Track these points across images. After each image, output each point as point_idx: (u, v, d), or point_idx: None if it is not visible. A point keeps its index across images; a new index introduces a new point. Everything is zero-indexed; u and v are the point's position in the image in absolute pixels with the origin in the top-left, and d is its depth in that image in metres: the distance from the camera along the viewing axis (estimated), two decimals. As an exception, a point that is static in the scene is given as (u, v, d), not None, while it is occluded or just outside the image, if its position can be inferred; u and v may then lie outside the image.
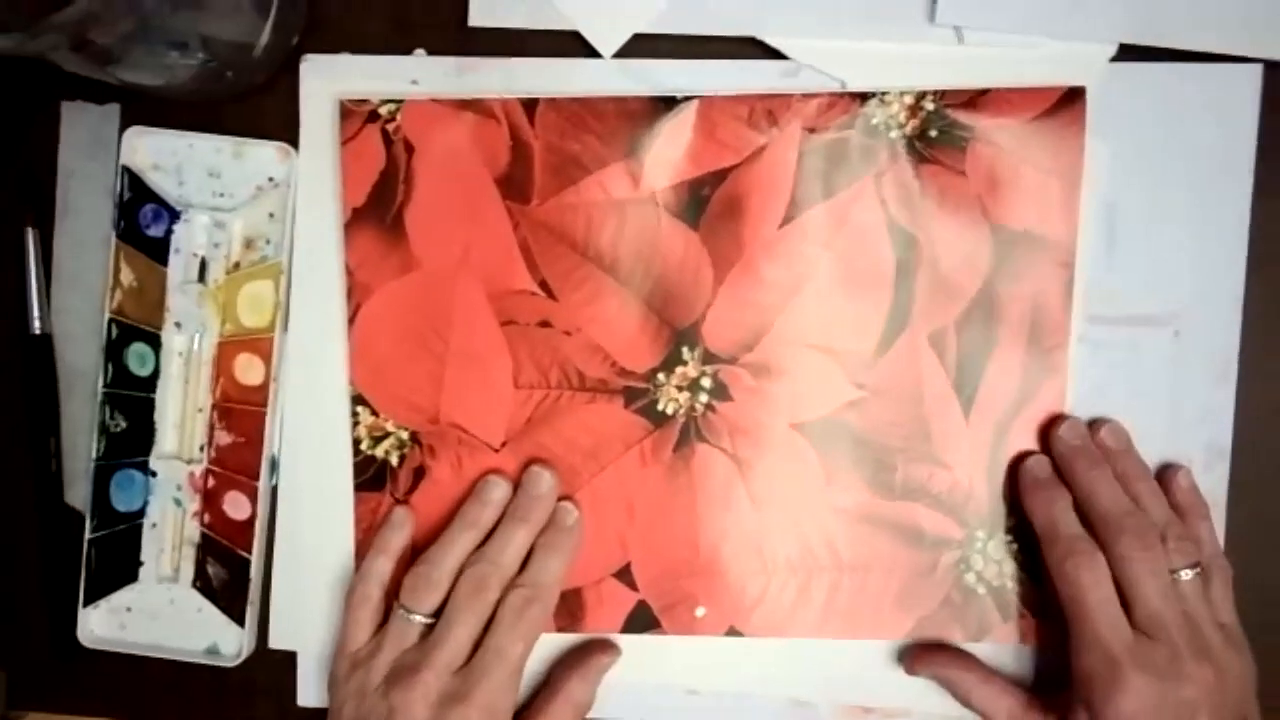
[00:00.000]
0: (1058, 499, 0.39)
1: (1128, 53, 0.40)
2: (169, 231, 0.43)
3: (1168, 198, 0.41)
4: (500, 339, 0.42)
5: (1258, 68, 0.40)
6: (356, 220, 0.42)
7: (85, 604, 0.43)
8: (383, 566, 0.41)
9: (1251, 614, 0.39)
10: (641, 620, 0.42)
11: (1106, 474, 0.39)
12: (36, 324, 0.43)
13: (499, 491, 0.41)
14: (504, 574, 0.39)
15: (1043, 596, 0.41)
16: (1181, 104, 0.40)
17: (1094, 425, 0.41)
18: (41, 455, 0.43)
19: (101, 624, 0.44)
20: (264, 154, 0.42)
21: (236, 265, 0.43)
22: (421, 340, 0.42)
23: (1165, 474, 0.41)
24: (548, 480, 0.41)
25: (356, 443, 0.43)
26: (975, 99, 0.40)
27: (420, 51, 0.42)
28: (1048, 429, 0.41)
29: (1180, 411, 0.41)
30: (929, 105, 0.40)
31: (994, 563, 0.42)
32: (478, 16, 0.41)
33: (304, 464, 0.43)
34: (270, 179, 0.42)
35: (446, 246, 0.42)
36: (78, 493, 0.44)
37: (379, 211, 0.42)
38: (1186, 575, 0.38)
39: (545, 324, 0.42)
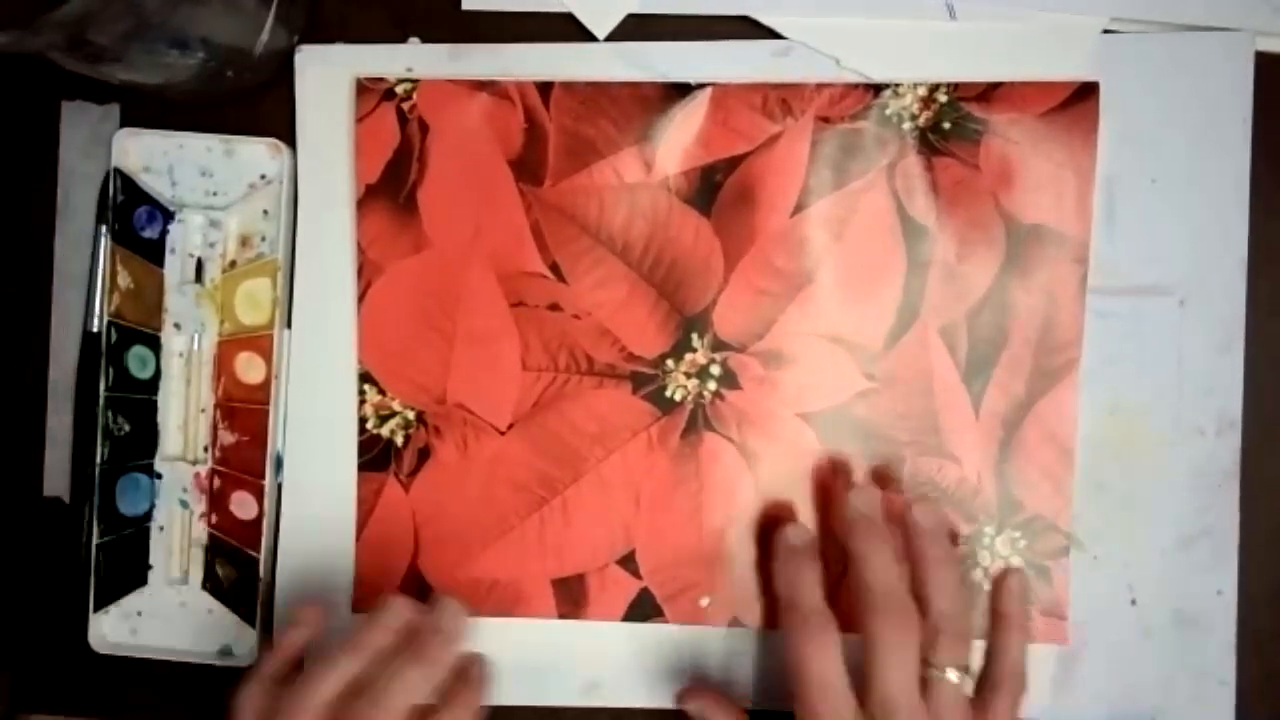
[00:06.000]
0: (805, 570, 0.37)
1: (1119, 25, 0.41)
2: (164, 232, 0.43)
3: (1166, 167, 0.41)
4: (509, 320, 0.42)
5: (1250, 34, 0.40)
6: (369, 198, 0.42)
7: (95, 609, 0.43)
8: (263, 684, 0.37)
9: (1265, 587, 0.40)
10: (644, 608, 0.42)
11: (884, 549, 0.37)
12: (96, 321, 0.43)
13: (399, 615, 0.36)
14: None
15: (1052, 595, 0.41)
16: (1176, 73, 0.40)
17: (915, 503, 0.38)
18: (83, 456, 0.43)
19: (113, 629, 0.43)
20: (255, 151, 0.42)
21: (233, 264, 0.43)
22: (430, 320, 0.42)
23: (999, 575, 0.39)
24: (456, 613, 0.37)
25: (362, 421, 0.43)
26: (989, 92, 0.40)
27: (414, 40, 0.42)
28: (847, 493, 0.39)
29: (1188, 381, 0.41)
30: (942, 97, 0.41)
31: (1001, 559, 0.41)
32: (471, 0, 0.42)
33: (310, 441, 0.43)
34: (263, 176, 0.42)
35: (458, 226, 0.42)
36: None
37: (392, 190, 0.42)
38: (952, 676, 0.35)
39: (555, 307, 0.42)
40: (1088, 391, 0.41)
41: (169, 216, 0.43)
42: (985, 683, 0.37)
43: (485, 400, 0.42)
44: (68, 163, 0.44)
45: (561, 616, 0.42)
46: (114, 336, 0.42)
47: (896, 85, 0.41)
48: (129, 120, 0.43)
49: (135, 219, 0.43)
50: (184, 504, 0.43)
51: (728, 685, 0.42)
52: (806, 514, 0.42)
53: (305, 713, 0.34)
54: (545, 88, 0.41)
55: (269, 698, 0.36)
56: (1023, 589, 0.39)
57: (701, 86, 0.41)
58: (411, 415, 0.42)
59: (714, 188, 0.41)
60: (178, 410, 0.43)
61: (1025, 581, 0.39)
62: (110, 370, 0.42)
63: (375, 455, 0.43)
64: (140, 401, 0.43)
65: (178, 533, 0.43)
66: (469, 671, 0.38)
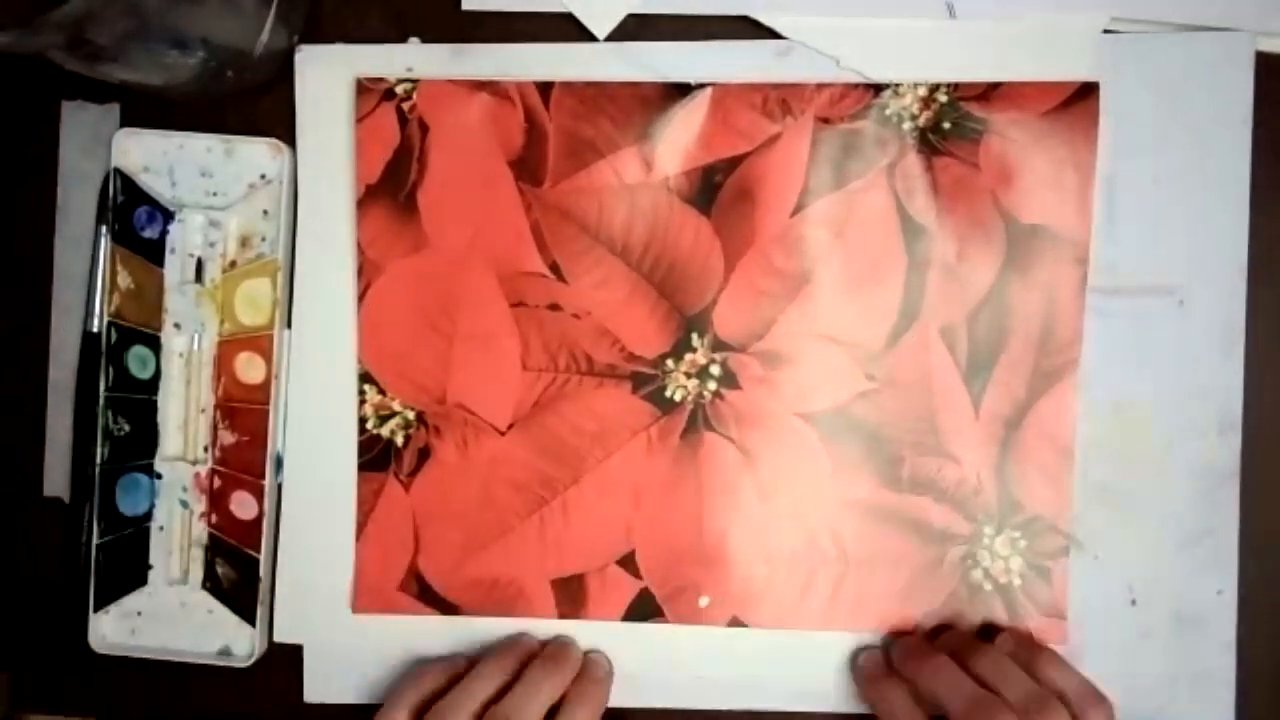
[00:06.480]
0: (894, 692, 0.38)
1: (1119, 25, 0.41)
2: (164, 233, 0.43)
3: (1166, 167, 0.41)
4: (509, 320, 0.42)
5: (1250, 34, 0.40)
6: (369, 198, 0.42)
7: (95, 609, 0.42)
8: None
9: (1265, 587, 0.40)
10: (643, 608, 0.42)
11: (942, 665, 0.38)
12: (96, 321, 0.42)
13: (532, 644, 0.41)
14: None
15: (1052, 595, 0.41)
16: (1176, 73, 0.40)
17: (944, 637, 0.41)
18: (83, 456, 0.42)
19: (113, 629, 0.43)
20: (255, 151, 0.42)
21: (233, 264, 0.43)
22: (430, 320, 0.42)
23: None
24: (577, 646, 0.42)
25: (362, 421, 0.43)
26: (989, 92, 0.40)
27: (415, 40, 0.42)
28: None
29: (1190, 382, 0.41)
30: (942, 97, 0.41)
31: (1001, 559, 0.41)
32: (472, 0, 0.41)
33: (310, 442, 0.43)
34: (263, 176, 0.42)
35: (458, 227, 0.42)
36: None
37: (392, 190, 0.42)
38: None
39: (555, 307, 0.42)
40: (1088, 392, 0.41)
41: (169, 216, 0.43)
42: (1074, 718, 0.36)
43: (485, 400, 0.42)
44: (68, 163, 0.44)
45: (561, 616, 0.42)
46: (114, 336, 0.42)
47: (896, 85, 0.41)
48: (129, 120, 0.43)
49: (135, 219, 0.43)
50: (184, 504, 0.43)
51: (728, 685, 0.42)
52: (805, 514, 0.42)
53: None
54: (545, 88, 0.41)
55: None
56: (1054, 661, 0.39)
57: (701, 86, 0.41)
58: (411, 415, 0.42)
59: (714, 188, 0.41)
60: (178, 410, 0.43)
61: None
62: (110, 370, 0.42)
63: (375, 455, 0.43)
64: (140, 401, 0.43)
65: (178, 533, 0.43)
66: (591, 670, 0.41)
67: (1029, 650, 0.39)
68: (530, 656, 0.40)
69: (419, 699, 0.39)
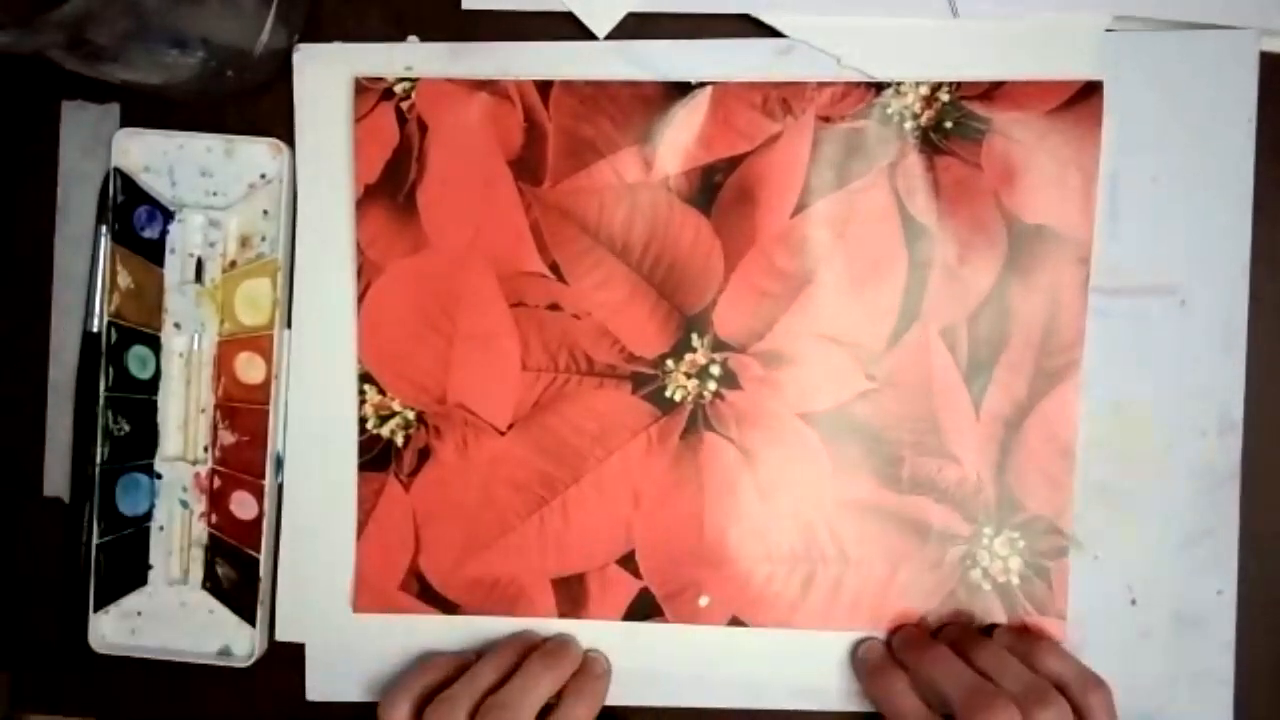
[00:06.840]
0: (895, 681, 0.39)
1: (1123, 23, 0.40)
2: (164, 232, 0.43)
3: (1169, 167, 0.41)
4: (509, 320, 0.42)
5: (1254, 32, 0.40)
6: (369, 198, 0.42)
7: (95, 609, 0.42)
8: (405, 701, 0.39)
9: (1265, 587, 0.41)
10: (643, 608, 0.42)
11: (942, 655, 0.38)
12: (96, 321, 0.42)
13: (533, 639, 0.42)
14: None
15: (1049, 595, 0.41)
16: (1179, 72, 0.40)
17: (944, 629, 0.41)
18: (83, 456, 0.42)
19: (113, 629, 0.43)
20: (255, 151, 0.42)
21: (233, 264, 0.43)
22: (430, 320, 0.42)
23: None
24: (577, 643, 0.42)
25: (362, 421, 0.43)
26: (991, 91, 0.40)
27: (413, 39, 0.42)
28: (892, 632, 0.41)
29: (1190, 382, 0.41)
30: (944, 96, 0.40)
31: (1000, 559, 0.41)
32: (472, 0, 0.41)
33: (310, 442, 0.43)
34: (263, 176, 0.42)
35: (458, 227, 0.42)
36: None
37: (391, 190, 0.42)
38: None
39: (555, 307, 0.42)
40: (1088, 391, 0.41)
41: (169, 216, 0.43)
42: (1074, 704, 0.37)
43: (485, 400, 0.42)
44: (68, 163, 0.43)
45: (562, 616, 0.42)
46: (114, 336, 0.42)
47: (898, 84, 0.41)
48: (129, 120, 0.43)
49: (135, 219, 0.42)
50: (184, 504, 0.43)
51: (727, 685, 0.42)
52: (805, 514, 0.42)
53: None
54: (545, 87, 0.41)
55: (414, 712, 0.38)
56: (1056, 651, 0.39)
57: (702, 85, 0.41)
58: (411, 415, 0.42)
59: (714, 187, 0.41)
60: (178, 410, 0.43)
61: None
62: (110, 370, 0.42)
63: (375, 455, 0.43)
64: (140, 401, 0.43)
65: (178, 533, 0.43)
66: (590, 666, 0.41)
67: (1027, 642, 0.39)
68: (531, 651, 0.41)
69: (422, 689, 0.39)
